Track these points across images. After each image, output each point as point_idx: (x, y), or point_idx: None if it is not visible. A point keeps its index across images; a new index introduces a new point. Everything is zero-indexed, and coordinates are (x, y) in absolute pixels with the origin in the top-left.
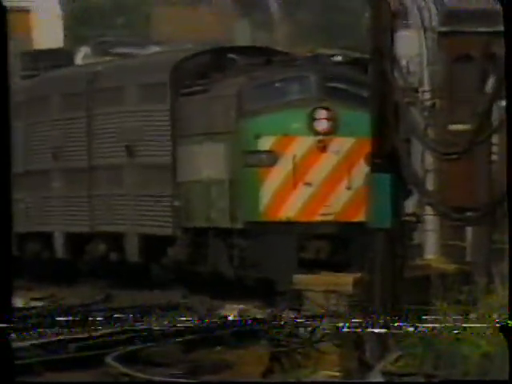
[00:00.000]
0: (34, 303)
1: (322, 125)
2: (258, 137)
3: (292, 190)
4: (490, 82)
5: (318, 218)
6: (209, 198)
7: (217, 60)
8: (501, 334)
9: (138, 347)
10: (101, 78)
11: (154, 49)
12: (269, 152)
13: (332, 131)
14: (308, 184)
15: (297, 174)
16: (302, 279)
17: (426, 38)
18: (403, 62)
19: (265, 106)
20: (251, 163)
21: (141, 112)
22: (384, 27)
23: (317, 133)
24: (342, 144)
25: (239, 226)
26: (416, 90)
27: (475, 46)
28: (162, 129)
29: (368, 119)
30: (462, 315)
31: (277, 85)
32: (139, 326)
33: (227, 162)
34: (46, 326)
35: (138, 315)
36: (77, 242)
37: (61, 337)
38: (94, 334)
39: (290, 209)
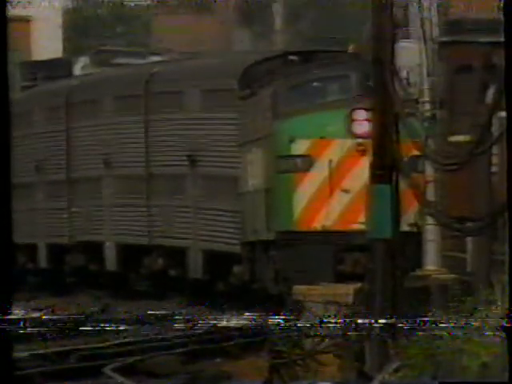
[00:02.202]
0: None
1: (361, 127)
2: (292, 140)
3: (328, 197)
4: (491, 93)
5: (356, 228)
6: (253, 209)
7: (279, 64)
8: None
9: (137, 358)
10: (159, 81)
11: (155, 58)
12: (303, 156)
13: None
14: (345, 191)
15: (333, 180)
16: (301, 290)
17: (426, 48)
18: (404, 73)
19: (300, 107)
20: (285, 168)
21: (204, 119)
22: (385, 37)
23: (355, 135)
24: None
25: (272, 236)
26: (416, 101)
27: (476, 56)
28: (227, 137)
29: (411, 121)
30: (462, 325)
31: (314, 84)
32: (139, 336)
33: (264, 168)
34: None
35: (138, 326)
36: (130, 254)
37: (61, 347)
38: (94, 344)
39: (326, 217)
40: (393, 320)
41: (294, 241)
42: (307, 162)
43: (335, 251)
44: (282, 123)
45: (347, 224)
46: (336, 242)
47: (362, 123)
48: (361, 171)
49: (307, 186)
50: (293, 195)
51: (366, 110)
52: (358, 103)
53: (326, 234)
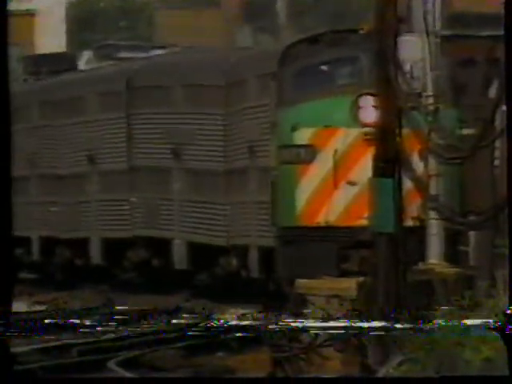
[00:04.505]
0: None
1: (369, 114)
2: (294, 128)
3: (333, 190)
4: (494, 87)
5: (363, 223)
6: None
7: (305, 46)
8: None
9: (140, 352)
10: (237, 70)
11: (158, 52)
12: (307, 146)
13: None
14: (351, 183)
15: (339, 172)
16: (304, 283)
17: (429, 41)
18: (407, 66)
19: (305, 93)
20: (287, 159)
21: (259, 107)
22: (388, 31)
23: (363, 124)
24: None
25: (276, 232)
26: (419, 95)
27: (479, 50)
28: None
29: (414, 114)
30: (464, 319)
31: (321, 68)
32: (142, 330)
33: (272, 159)
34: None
35: (141, 319)
36: (199, 253)
37: (63, 341)
38: (97, 338)
39: (331, 212)
40: (395, 314)
41: (296, 237)
42: (310, 153)
43: (339, 248)
44: (286, 110)
45: (353, 219)
46: (340, 239)
47: (370, 110)
48: (368, 162)
49: (310, 179)
50: (294, 188)
51: (374, 95)
52: (367, 88)
53: (329, 230)
